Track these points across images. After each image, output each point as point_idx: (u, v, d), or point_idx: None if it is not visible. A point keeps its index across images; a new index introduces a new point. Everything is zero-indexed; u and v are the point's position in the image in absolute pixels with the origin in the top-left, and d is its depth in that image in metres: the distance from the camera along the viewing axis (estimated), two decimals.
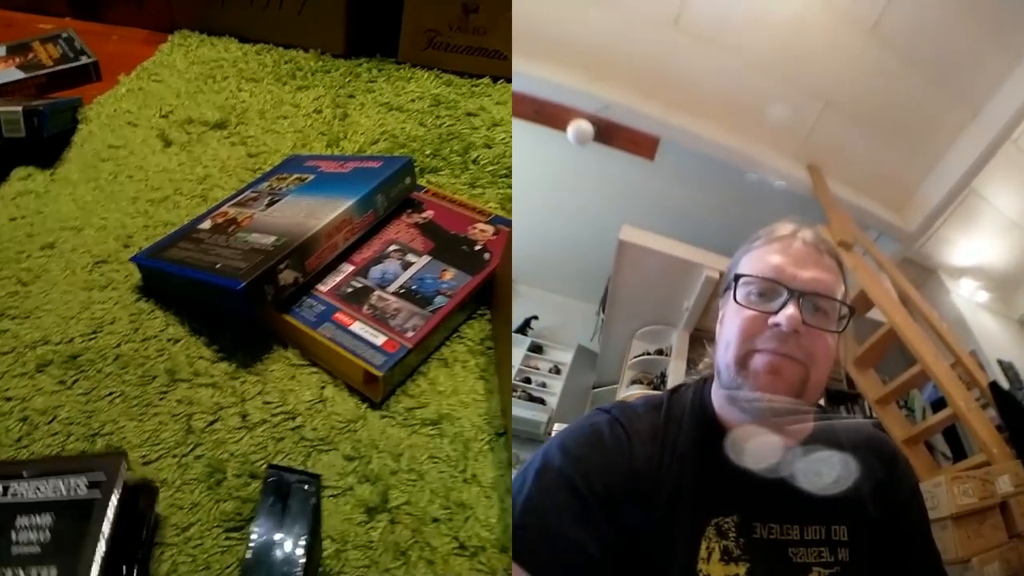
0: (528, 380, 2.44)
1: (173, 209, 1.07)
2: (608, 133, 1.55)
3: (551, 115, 1.45)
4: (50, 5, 1.56)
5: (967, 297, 2.17)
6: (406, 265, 0.95)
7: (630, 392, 1.90)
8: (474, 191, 1.15)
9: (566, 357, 2.50)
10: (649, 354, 1.99)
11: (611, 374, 2.18)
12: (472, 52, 1.41)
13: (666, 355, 1.95)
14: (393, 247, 0.98)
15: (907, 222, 1.94)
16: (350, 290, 0.91)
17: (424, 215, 1.03)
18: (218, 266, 0.87)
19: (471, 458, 0.78)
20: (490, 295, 0.96)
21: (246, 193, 1.05)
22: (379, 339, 0.84)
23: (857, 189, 1.86)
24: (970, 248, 2.12)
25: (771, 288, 0.51)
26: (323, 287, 0.91)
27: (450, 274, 0.93)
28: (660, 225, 1.81)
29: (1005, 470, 1.05)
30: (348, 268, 0.94)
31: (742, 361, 0.50)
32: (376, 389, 0.81)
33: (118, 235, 1.01)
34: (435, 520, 0.73)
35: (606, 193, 2.02)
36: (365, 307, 0.88)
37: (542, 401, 2.37)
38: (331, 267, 0.94)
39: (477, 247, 0.98)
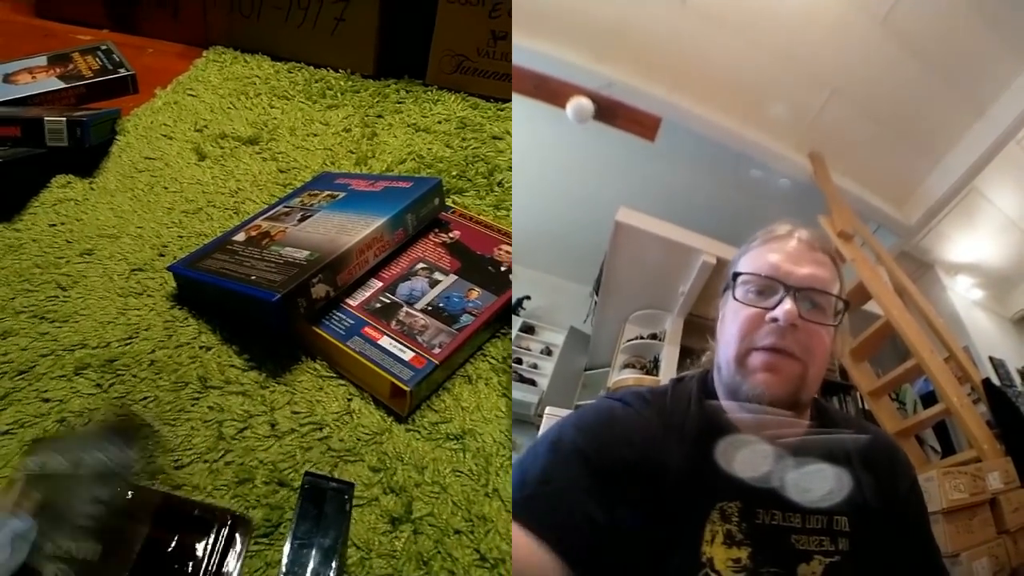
0: (519, 361, 2.37)
1: (206, 220, 1.10)
2: (609, 112, 1.51)
3: (551, 91, 1.41)
4: (88, 17, 1.61)
5: (962, 294, 2.16)
6: (433, 283, 0.97)
7: (622, 376, 1.85)
8: (499, 213, 1.18)
9: (558, 339, 2.44)
10: (642, 338, 1.96)
11: (603, 357, 2.14)
12: (499, 77, 1.45)
13: (660, 340, 1.90)
14: (421, 265, 1.00)
15: (907, 216, 1.92)
16: (379, 305, 0.94)
17: (451, 235, 1.06)
18: (253, 278, 0.90)
19: (492, 473, 0.81)
20: (511, 316, 0.98)
21: (278, 207, 1.08)
22: (407, 354, 0.86)
23: (858, 180, 1.85)
24: (968, 245, 2.11)
25: (768, 285, 0.53)
26: (352, 301, 0.94)
27: (476, 293, 0.96)
28: (658, 208, 1.77)
29: (995, 467, 1.05)
30: (377, 284, 0.97)
31: (741, 359, 0.52)
32: (403, 403, 0.83)
33: (153, 244, 1.04)
34: (457, 532, 0.75)
35: (604, 173, 1.98)
36: (393, 323, 0.91)
37: (533, 382, 2.32)
38: (360, 282, 0.96)
39: (502, 268, 1.01)
